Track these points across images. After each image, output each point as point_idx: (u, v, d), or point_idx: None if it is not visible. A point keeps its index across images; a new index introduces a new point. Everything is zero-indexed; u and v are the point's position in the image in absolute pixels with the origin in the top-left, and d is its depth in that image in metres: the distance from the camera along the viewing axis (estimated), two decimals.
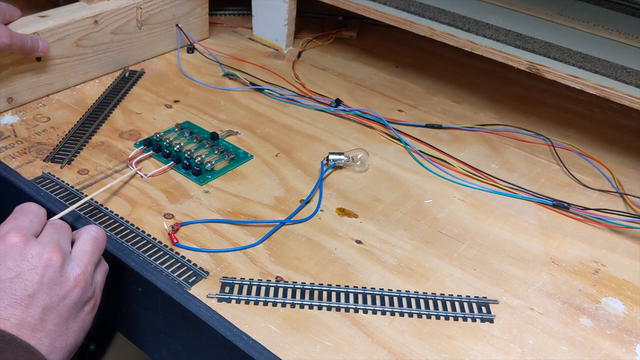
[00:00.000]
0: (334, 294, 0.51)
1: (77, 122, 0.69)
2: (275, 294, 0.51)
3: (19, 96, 0.70)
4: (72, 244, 0.48)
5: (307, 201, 0.61)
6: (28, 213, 0.47)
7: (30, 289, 0.42)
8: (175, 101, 0.75)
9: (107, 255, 0.52)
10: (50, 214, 0.52)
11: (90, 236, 0.48)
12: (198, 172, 0.63)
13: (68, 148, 0.65)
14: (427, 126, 0.74)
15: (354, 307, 0.50)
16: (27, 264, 0.43)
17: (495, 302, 0.52)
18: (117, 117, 0.71)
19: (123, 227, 0.56)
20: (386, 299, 0.51)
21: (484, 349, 0.48)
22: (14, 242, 0.44)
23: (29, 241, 0.44)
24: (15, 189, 0.59)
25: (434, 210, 0.62)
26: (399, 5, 0.75)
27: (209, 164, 0.64)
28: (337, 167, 0.66)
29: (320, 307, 0.50)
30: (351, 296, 0.51)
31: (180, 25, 0.83)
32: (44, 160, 0.63)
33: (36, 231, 0.47)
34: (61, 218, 0.51)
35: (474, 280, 0.54)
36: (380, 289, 0.52)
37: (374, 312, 0.50)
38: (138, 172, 0.62)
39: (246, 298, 0.50)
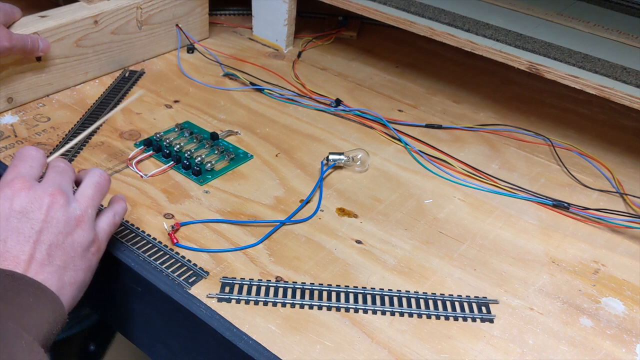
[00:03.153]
0: (334, 294, 0.51)
1: (77, 122, 0.69)
2: (275, 294, 0.51)
3: (19, 96, 0.70)
4: (77, 183, 0.50)
5: (307, 201, 0.61)
6: (27, 159, 0.48)
7: (36, 227, 0.44)
8: (175, 101, 0.75)
9: (106, 254, 0.52)
10: None
11: (93, 180, 0.50)
12: (198, 172, 0.63)
13: (68, 148, 0.65)
14: (427, 126, 0.74)
15: (354, 307, 0.50)
16: (32, 205, 0.45)
17: (495, 302, 0.52)
18: (117, 117, 0.71)
19: (123, 227, 0.56)
20: (386, 299, 0.51)
21: (484, 349, 0.48)
22: (19, 187, 0.46)
23: (32, 185, 0.46)
24: None
25: (434, 210, 0.62)
26: (399, 5, 0.75)
27: (209, 164, 0.64)
28: (337, 167, 0.66)
29: (320, 307, 0.50)
30: (351, 296, 0.51)
31: (180, 25, 0.83)
32: None
33: (38, 175, 0.48)
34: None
35: (474, 280, 0.54)
36: (380, 289, 0.52)
37: (374, 312, 0.50)
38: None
39: (246, 298, 0.50)
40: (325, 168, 0.65)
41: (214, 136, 0.68)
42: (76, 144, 0.65)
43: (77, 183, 0.51)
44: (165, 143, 0.66)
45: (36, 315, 0.41)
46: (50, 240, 0.45)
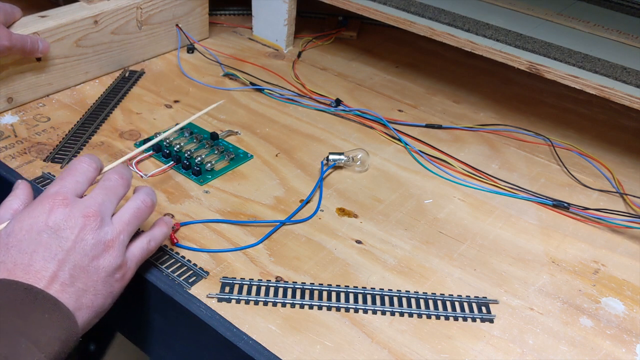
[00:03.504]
0: (334, 294, 0.51)
1: (77, 122, 0.69)
2: (275, 294, 0.51)
3: (19, 96, 0.70)
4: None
5: (307, 201, 0.61)
6: (76, 173, 0.48)
7: (65, 246, 0.44)
8: (175, 101, 0.75)
9: None
10: None
11: (134, 204, 0.49)
12: (198, 172, 0.63)
13: (68, 148, 0.65)
14: (427, 126, 0.74)
15: (354, 307, 0.50)
16: (66, 224, 0.45)
17: (495, 302, 0.52)
18: (117, 117, 0.71)
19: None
20: (386, 299, 0.51)
21: (484, 349, 0.48)
22: (58, 203, 0.45)
23: (71, 202, 0.46)
24: None
25: (434, 210, 0.62)
26: (399, 5, 0.75)
27: (209, 164, 0.64)
28: (337, 167, 0.66)
29: (320, 307, 0.50)
30: (351, 296, 0.51)
31: (180, 25, 0.83)
32: (44, 160, 0.63)
33: (83, 191, 0.48)
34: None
35: (474, 280, 0.54)
36: (380, 289, 0.52)
37: (374, 312, 0.50)
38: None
39: (246, 298, 0.50)
40: (325, 168, 0.65)
41: (214, 136, 0.68)
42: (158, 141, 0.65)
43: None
44: (165, 143, 0.66)
45: (49, 333, 0.41)
46: (76, 261, 0.44)
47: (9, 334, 0.39)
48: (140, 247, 0.49)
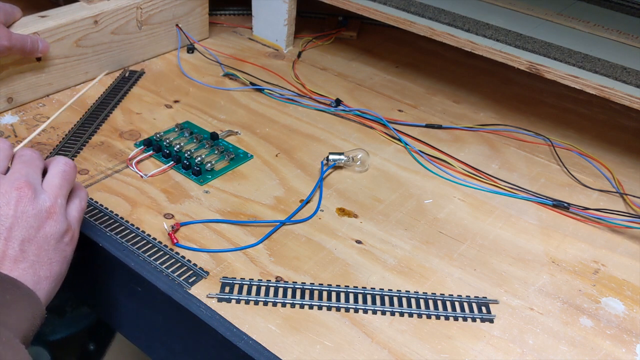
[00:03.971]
0: (334, 294, 0.51)
1: (77, 122, 0.69)
2: (275, 294, 0.51)
3: (19, 96, 0.70)
4: (45, 172, 0.49)
5: (307, 201, 0.61)
6: None
7: (6, 223, 0.44)
8: (175, 101, 0.75)
9: (106, 254, 0.52)
10: None
11: (59, 169, 0.49)
12: (198, 172, 0.63)
13: (68, 148, 0.65)
14: (427, 126, 0.74)
15: (354, 307, 0.50)
16: (0, 200, 0.44)
17: (495, 302, 0.52)
18: (117, 117, 0.71)
19: (123, 227, 0.56)
20: (386, 299, 0.51)
21: (484, 349, 0.48)
22: None
23: None
24: None
25: (434, 210, 0.62)
26: (399, 5, 0.75)
27: (209, 164, 0.64)
28: (337, 167, 0.66)
29: (320, 307, 0.50)
30: (351, 296, 0.51)
31: (180, 25, 0.83)
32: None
33: (4, 167, 0.48)
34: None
35: (474, 280, 0.54)
36: (380, 289, 0.52)
37: (374, 312, 0.50)
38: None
39: (246, 298, 0.50)
40: (325, 168, 0.65)
41: (214, 136, 0.68)
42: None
43: (45, 171, 0.50)
44: (165, 143, 0.66)
45: (14, 313, 0.41)
46: (22, 235, 0.44)
47: None
48: (77, 208, 0.49)
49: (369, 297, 0.51)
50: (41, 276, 0.44)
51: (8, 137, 0.66)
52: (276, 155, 0.67)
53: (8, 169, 0.48)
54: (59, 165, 0.49)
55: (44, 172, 0.50)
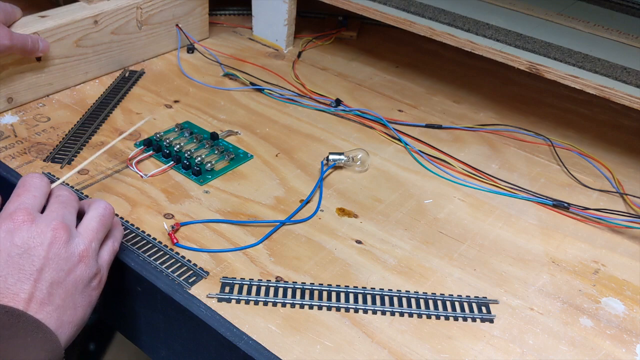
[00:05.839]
0: (334, 294, 0.51)
1: (77, 122, 0.69)
2: (275, 294, 0.51)
3: (19, 96, 0.70)
4: (80, 213, 0.49)
5: (307, 201, 0.61)
6: (31, 188, 0.47)
7: (37, 264, 0.43)
8: (175, 101, 0.75)
9: None
10: None
11: (97, 212, 0.49)
12: (198, 172, 0.63)
13: (68, 148, 0.65)
14: (427, 126, 0.74)
15: (354, 307, 0.50)
16: (34, 241, 0.44)
17: (495, 302, 0.52)
18: (117, 117, 0.71)
19: (123, 227, 0.56)
20: (386, 299, 0.51)
21: (484, 349, 0.48)
22: (21, 220, 0.44)
23: (35, 219, 0.45)
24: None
25: (434, 210, 0.62)
26: (399, 5, 0.75)
27: (209, 164, 0.64)
28: (337, 167, 0.66)
29: (320, 307, 0.50)
30: (351, 296, 0.51)
31: (180, 25, 0.83)
32: (44, 160, 0.63)
33: (41, 205, 0.47)
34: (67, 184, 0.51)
35: (474, 280, 0.54)
36: (380, 289, 0.52)
37: (374, 312, 0.50)
38: None
39: (246, 298, 0.50)
40: (325, 168, 0.65)
41: (214, 136, 0.68)
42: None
43: (80, 213, 0.50)
44: (165, 143, 0.66)
45: (33, 356, 0.40)
46: (52, 278, 0.43)
47: None
48: (109, 251, 0.49)
49: (369, 297, 0.51)
50: (64, 321, 0.44)
51: (8, 137, 0.66)
52: (276, 155, 0.67)
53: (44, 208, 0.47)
54: (99, 209, 0.49)
55: (81, 213, 0.49)
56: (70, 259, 0.45)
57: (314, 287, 0.52)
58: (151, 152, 0.65)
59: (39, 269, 0.43)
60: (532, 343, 0.49)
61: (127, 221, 0.57)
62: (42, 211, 0.47)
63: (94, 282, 0.47)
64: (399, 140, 0.71)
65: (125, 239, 0.54)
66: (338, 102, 0.75)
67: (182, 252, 0.54)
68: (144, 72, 0.79)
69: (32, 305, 0.42)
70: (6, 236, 0.44)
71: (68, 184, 0.60)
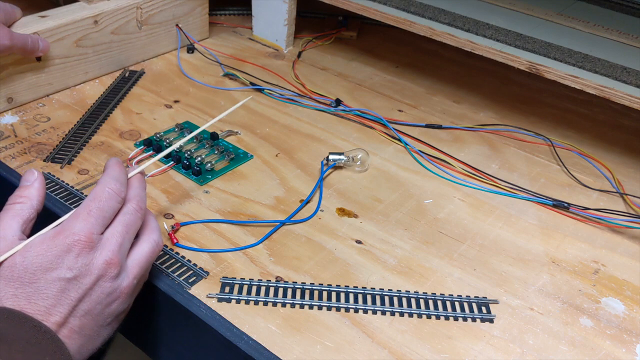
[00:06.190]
0: (334, 294, 0.51)
1: (77, 122, 0.69)
2: (275, 294, 0.51)
3: (19, 96, 0.70)
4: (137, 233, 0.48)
5: (307, 201, 0.61)
6: (105, 207, 0.45)
7: (81, 293, 0.43)
8: (175, 101, 0.75)
9: None
10: (52, 215, 0.52)
11: (150, 247, 0.47)
12: (198, 172, 0.63)
13: (68, 148, 0.65)
14: (427, 126, 0.74)
15: (354, 307, 0.50)
16: (86, 269, 0.43)
17: (495, 302, 0.52)
18: (117, 117, 0.71)
19: None
20: (386, 299, 0.51)
21: (484, 349, 0.48)
22: (82, 246, 0.43)
23: (95, 246, 0.44)
24: (15, 189, 0.59)
25: (434, 210, 0.62)
26: (399, 5, 0.75)
27: (209, 164, 0.64)
28: (337, 167, 0.66)
29: (320, 307, 0.50)
30: (351, 296, 0.51)
31: (180, 25, 0.83)
32: (44, 160, 0.63)
33: (105, 226, 0.45)
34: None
35: (474, 280, 0.54)
36: (380, 289, 0.52)
37: (374, 312, 0.50)
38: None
39: (246, 298, 0.50)
40: (325, 168, 0.65)
41: (214, 136, 0.68)
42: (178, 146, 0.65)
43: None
44: (165, 143, 0.66)
45: None
46: (89, 308, 0.43)
47: None
48: (141, 284, 0.49)
49: (369, 297, 0.51)
50: (84, 349, 0.44)
51: (8, 137, 0.66)
52: (276, 155, 0.67)
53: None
54: (151, 242, 0.47)
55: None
56: (111, 294, 0.44)
57: (314, 287, 0.52)
58: (151, 152, 0.65)
59: (80, 297, 0.43)
60: (532, 343, 0.49)
61: None
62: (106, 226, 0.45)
63: (122, 315, 0.47)
64: (399, 140, 0.71)
65: None
66: (338, 102, 0.75)
67: (182, 252, 0.54)
68: (144, 72, 0.79)
69: (63, 331, 0.42)
70: (62, 255, 0.42)
71: (69, 184, 0.60)
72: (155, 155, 0.65)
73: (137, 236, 0.48)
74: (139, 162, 0.64)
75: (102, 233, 0.45)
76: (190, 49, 0.84)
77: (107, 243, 0.44)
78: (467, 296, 0.52)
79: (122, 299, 0.45)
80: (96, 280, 0.43)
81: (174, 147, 0.55)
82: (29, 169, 0.48)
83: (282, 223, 0.58)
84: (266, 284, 0.52)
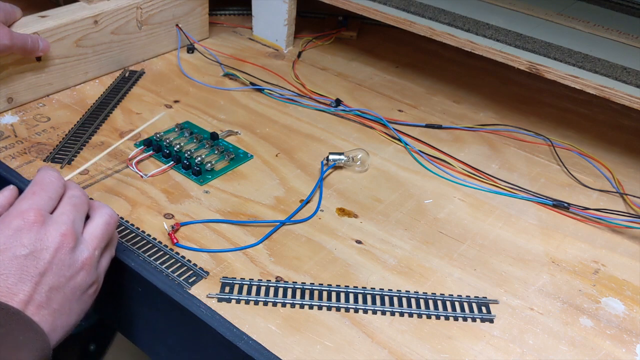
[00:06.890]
0: (334, 294, 0.51)
1: (77, 122, 0.69)
2: (275, 294, 0.51)
3: (19, 96, 0.70)
4: (87, 216, 0.49)
5: (307, 201, 0.61)
6: (47, 188, 0.47)
7: (41, 267, 0.43)
8: (175, 101, 0.75)
9: None
10: None
11: (103, 220, 0.48)
12: (198, 172, 0.63)
13: (68, 148, 0.65)
14: (427, 126, 0.74)
15: (354, 307, 0.50)
16: (41, 244, 0.44)
17: (495, 302, 0.52)
18: (117, 117, 0.71)
19: (123, 227, 0.56)
20: (386, 299, 0.51)
21: (484, 349, 0.48)
22: (32, 221, 0.44)
23: (45, 220, 0.45)
24: None
25: (434, 210, 0.62)
26: (399, 5, 0.75)
27: (209, 164, 0.64)
28: (337, 167, 0.66)
29: (320, 307, 0.50)
30: (351, 296, 0.51)
31: (180, 25, 0.83)
32: (44, 160, 0.63)
33: (53, 206, 0.47)
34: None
35: (474, 280, 0.54)
36: (380, 289, 0.52)
37: (374, 312, 0.50)
38: None
39: (246, 298, 0.50)
40: (325, 168, 0.65)
41: (214, 136, 0.68)
42: (78, 144, 0.65)
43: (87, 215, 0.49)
44: (165, 143, 0.66)
45: (23, 355, 0.40)
46: (52, 282, 0.44)
47: None
48: (107, 259, 0.49)
49: (369, 297, 0.51)
50: (57, 325, 0.44)
51: (8, 137, 0.66)
52: (276, 155, 0.67)
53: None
54: (104, 216, 0.49)
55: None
56: (72, 266, 0.45)
57: (314, 287, 0.52)
58: (151, 152, 0.65)
59: (42, 272, 0.43)
60: (532, 343, 0.49)
61: (127, 221, 0.57)
62: (53, 210, 0.47)
63: (91, 289, 0.47)
64: (399, 140, 0.71)
65: (125, 239, 0.54)
66: (338, 102, 0.75)
67: (182, 252, 0.54)
68: (144, 72, 0.79)
69: (30, 307, 0.42)
70: (14, 234, 0.44)
71: None
72: (155, 156, 0.65)
73: (87, 217, 0.49)
74: (138, 163, 0.64)
75: (51, 213, 0.46)
76: (190, 49, 0.84)
77: (59, 219, 0.46)
78: (467, 296, 0.52)
79: (85, 271, 0.45)
80: (54, 254, 0.44)
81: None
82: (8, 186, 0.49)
83: (282, 223, 0.58)
84: (266, 284, 0.52)
